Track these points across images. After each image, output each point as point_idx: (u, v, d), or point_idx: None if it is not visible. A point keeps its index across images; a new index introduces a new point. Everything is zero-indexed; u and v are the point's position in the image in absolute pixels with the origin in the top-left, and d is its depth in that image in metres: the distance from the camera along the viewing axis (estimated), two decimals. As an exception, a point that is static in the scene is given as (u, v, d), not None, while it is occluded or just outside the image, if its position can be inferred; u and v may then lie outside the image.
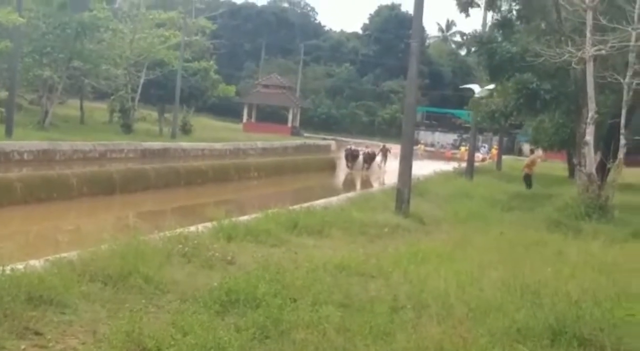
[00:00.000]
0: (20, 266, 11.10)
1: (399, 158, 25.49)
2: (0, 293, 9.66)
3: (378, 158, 58.95)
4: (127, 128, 56.33)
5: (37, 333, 9.15)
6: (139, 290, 11.35)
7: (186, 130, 63.97)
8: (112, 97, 60.29)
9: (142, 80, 58.71)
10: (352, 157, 57.03)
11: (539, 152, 59.48)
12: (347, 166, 56.67)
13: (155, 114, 68.13)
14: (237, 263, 14.04)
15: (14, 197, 25.29)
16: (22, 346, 8.70)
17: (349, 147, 60.05)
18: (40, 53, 48.51)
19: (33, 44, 48.08)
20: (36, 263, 11.84)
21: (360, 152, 57.76)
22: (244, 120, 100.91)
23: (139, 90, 59.06)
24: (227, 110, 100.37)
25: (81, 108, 60.86)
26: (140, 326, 8.77)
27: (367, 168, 56.62)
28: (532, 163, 43.79)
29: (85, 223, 25.44)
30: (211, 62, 67.64)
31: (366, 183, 49.27)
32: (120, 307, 10.23)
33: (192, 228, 16.41)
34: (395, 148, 47.32)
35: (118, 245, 13.12)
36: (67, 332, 9.36)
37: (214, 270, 13.24)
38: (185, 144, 52.94)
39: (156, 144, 49.42)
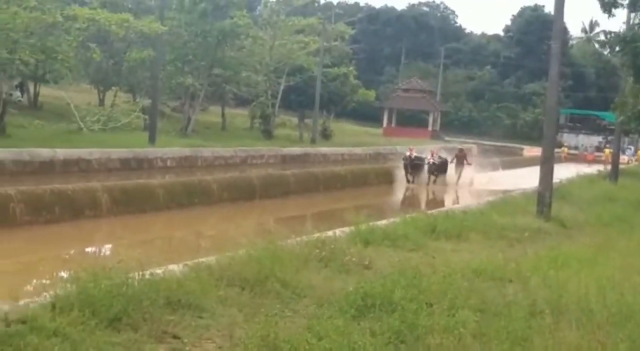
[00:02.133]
0: (159, 271, 11.27)
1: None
2: (139, 297, 9.82)
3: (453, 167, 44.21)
4: (267, 134, 56.90)
5: (175, 337, 9.28)
6: (275, 295, 11.40)
7: (326, 135, 64.27)
8: (252, 104, 60.96)
9: (282, 87, 59.25)
10: (412, 166, 42.40)
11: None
12: (407, 180, 42.46)
13: (295, 120, 68.68)
14: (374, 267, 13.98)
15: (157, 203, 25.81)
16: (161, 350, 8.83)
17: (408, 154, 43.25)
18: (182, 61, 49.48)
19: (175, 52, 49.06)
20: (175, 267, 12.02)
21: (426, 160, 42.82)
22: (384, 124, 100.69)
23: (279, 96, 59.59)
24: (367, 115, 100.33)
25: (222, 115, 61.74)
26: (275, 331, 8.80)
27: (434, 182, 42.67)
28: None
29: (224, 229, 25.79)
30: (351, 67, 67.78)
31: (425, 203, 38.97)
32: (256, 311, 10.30)
33: (330, 233, 16.42)
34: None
35: (255, 249, 13.21)
36: (204, 336, 9.47)
37: (350, 274, 13.22)
38: (325, 149, 53.23)
39: (296, 150, 49.84)
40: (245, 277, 11.79)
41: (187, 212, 26.55)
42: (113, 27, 41.57)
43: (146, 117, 44.20)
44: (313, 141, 59.16)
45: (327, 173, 38.46)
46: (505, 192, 30.76)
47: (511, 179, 44.55)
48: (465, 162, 44.34)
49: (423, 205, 35.68)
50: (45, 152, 30.28)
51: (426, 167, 42.48)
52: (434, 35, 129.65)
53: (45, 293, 9.71)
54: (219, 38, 48.99)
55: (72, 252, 20.95)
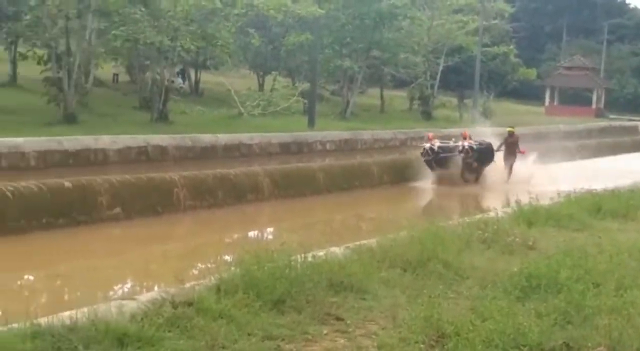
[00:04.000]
0: (321, 253, 11.30)
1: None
2: (302, 280, 9.87)
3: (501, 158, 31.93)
4: (426, 116, 56.59)
5: (338, 319, 9.28)
6: (438, 276, 11.31)
7: (487, 115, 63.45)
8: (411, 85, 60.68)
9: (440, 67, 58.77)
10: (438, 162, 30.23)
11: None
12: (434, 179, 30.58)
13: (454, 100, 68.07)
14: (538, 248, 13.72)
15: (317, 186, 26.00)
16: (324, 331, 8.84)
17: (427, 146, 30.32)
18: (340, 44, 49.54)
19: (333, 35, 49.16)
20: (337, 250, 12.04)
21: (459, 148, 30.45)
22: (546, 103, 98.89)
23: (438, 77, 59.14)
24: (528, 94, 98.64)
25: (381, 97, 61.61)
26: (439, 312, 8.69)
27: (477, 179, 31.41)
28: None
29: (385, 211, 25.70)
30: (511, 46, 66.74)
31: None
32: (419, 293, 10.21)
33: (492, 214, 16.18)
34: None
35: (417, 231, 13.13)
36: (367, 318, 9.44)
37: (513, 255, 13.00)
38: (484, 129, 52.56)
39: (456, 131, 49.37)
40: (407, 259, 11.73)
41: (347, 195, 26.66)
42: (271, 12, 42.04)
43: (305, 100, 44.49)
44: (473, 121, 58.46)
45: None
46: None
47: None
48: (517, 150, 31.66)
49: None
50: (207, 138, 30.82)
51: (459, 158, 30.32)
52: (596, 11, 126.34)
53: (210, 276, 9.85)
54: (377, 20, 48.82)
55: (235, 235, 21.28)
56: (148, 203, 20.64)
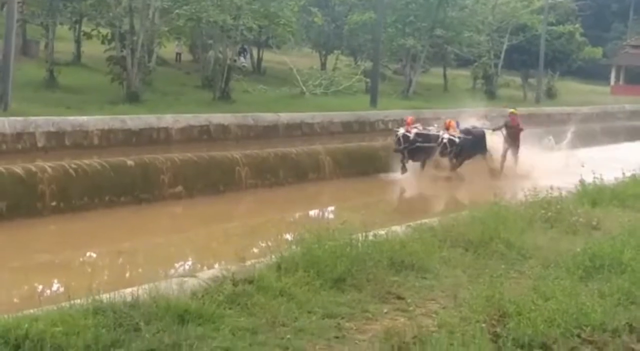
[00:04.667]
0: (382, 232, 11.30)
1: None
2: (363, 258, 9.88)
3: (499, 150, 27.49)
4: (490, 95, 56.10)
5: (398, 297, 9.29)
6: (500, 256, 11.26)
7: (551, 94, 62.85)
8: (474, 64, 60.18)
9: (504, 46, 58.19)
10: (411, 152, 25.39)
11: None
12: (402, 168, 25.29)
13: (518, 80, 67.43)
14: (602, 228, 13.60)
15: (379, 165, 25.91)
16: (385, 310, 8.84)
17: (400, 131, 25.41)
18: (403, 23, 49.21)
19: (396, 14, 48.84)
20: (398, 229, 12.03)
21: (443, 135, 25.80)
22: (612, 83, 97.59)
23: (502, 56, 58.58)
24: (594, 73, 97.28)
25: (444, 76, 61.23)
26: (501, 291, 8.62)
27: (453, 169, 26.49)
28: None
29: (448, 189, 25.46)
30: (576, 25, 65.84)
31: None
32: (480, 272, 10.18)
33: (555, 194, 16.02)
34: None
35: (479, 210, 13.06)
36: (428, 296, 9.43)
37: (577, 235, 12.89)
38: (549, 109, 52.06)
39: (520, 110, 48.86)
40: (469, 238, 11.70)
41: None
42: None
43: (367, 80, 44.33)
44: (537, 101, 57.95)
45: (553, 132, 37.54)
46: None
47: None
48: (519, 136, 27.20)
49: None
50: (269, 116, 30.84)
51: (439, 150, 25.72)
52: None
53: (270, 255, 9.87)
54: (440, -2, 48.58)
55: (296, 214, 21.30)
56: (210, 181, 20.74)
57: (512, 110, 28.99)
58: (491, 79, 57.91)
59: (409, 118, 26.89)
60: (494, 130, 27.72)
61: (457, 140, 25.68)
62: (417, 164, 25.94)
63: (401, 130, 25.39)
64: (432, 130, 26.42)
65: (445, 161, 26.13)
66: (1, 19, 29.63)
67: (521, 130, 27.20)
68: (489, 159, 27.67)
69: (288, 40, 47.50)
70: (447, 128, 26.11)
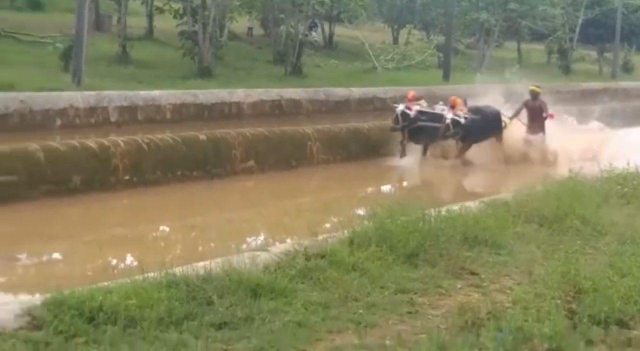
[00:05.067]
0: (455, 207, 11.24)
1: None
2: (436, 233, 9.82)
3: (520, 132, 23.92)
4: (565, 69, 55.46)
5: (472, 273, 9.24)
6: (575, 232, 11.12)
7: (627, 69, 61.90)
8: (549, 38, 59.44)
9: (580, 20, 57.40)
10: (412, 132, 22.59)
11: None
12: (401, 151, 22.72)
13: (594, 54, 66.51)
14: (681, 204, 13.34)
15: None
16: (458, 286, 8.81)
17: (400, 108, 22.59)
18: (478, -4, 48.84)
19: (469, -12, 48.53)
20: (471, 204, 11.95)
21: (446, 114, 22.37)
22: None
23: (577, 30, 57.81)
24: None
25: (518, 50, 60.59)
26: (576, 268, 8.45)
27: (460, 154, 22.93)
28: None
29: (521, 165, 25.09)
30: (655, -2, 64.81)
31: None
32: (555, 248, 10.07)
33: (632, 170, 15.76)
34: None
35: (553, 186, 12.90)
36: (502, 272, 9.36)
37: (654, 211, 12.68)
38: (625, 84, 51.30)
39: (595, 84, 48.28)
40: (543, 214, 11.58)
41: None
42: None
43: (440, 54, 44.07)
44: (613, 75, 57.12)
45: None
46: None
47: None
48: (544, 118, 23.56)
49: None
50: (340, 91, 30.74)
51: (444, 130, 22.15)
52: None
53: (343, 229, 9.84)
54: (516, -28, 48.05)
55: (368, 189, 21.24)
56: (281, 156, 20.75)
57: (532, 87, 24.41)
58: (566, 53, 57.12)
59: (410, 93, 23.64)
60: (510, 118, 23.90)
61: (462, 120, 22.07)
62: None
63: (400, 107, 22.48)
64: (438, 108, 22.99)
65: (451, 145, 22.78)
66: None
67: (545, 116, 23.41)
68: (505, 143, 23.68)
69: (360, 15, 47.28)
70: (452, 107, 22.58)
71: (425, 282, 8.68)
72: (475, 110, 22.99)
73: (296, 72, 34.47)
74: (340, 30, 52.88)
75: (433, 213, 10.38)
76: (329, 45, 50.80)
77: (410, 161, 22.33)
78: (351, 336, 7.09)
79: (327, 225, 13.41)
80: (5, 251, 12.27)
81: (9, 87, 20.90)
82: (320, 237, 9.48)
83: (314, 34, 45.96)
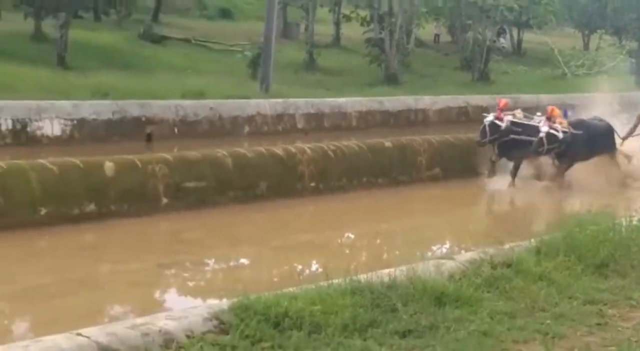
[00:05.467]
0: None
1: None
2: (627, 244, 9.63)
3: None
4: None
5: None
6: None
7: None
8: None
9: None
10: (501, 146, 19.32)
11: None
12: (490, 169, 19.64)
13: None
14: None
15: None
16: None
17: (489, 118, 19.38)
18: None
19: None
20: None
21: (544, 128, 18.55)
22: None
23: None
24: None
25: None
26: None
27: (559, 174, 19.44)
28: None
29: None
30: None
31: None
32: None
33: None
34: None
35: None
36: None
37: None
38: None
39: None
40: None
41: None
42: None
43: (633, 60, 42.91)
44: None
45: None
46: None
47: None
48: None
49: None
50: (528, 98, 30.19)
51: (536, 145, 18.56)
52: None
53: (530, 239, 9.68)
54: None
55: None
56: (467, 163, 20.50)
57: None
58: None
59: (502, 102, 20.27)
60: (623, 138, 20.33)
61: (560, 134, 18.60)
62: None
63: (489, 117, 19.43)
64: (536, 119, 19.49)
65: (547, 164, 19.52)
66: (263, 2, 30.48)
67: None
68: (621, 161, 20.23)
69: (549, 21, 46.51)
70: (548, 118, 18.99)
71: (616, 293, 8.44)
72: (577, 124, 19.42)
73: (483, 79, 34.25)
74: (529, 37, 52.21)
75: (624, 223, 10.09)
76: (517, 51, 50.26)
77: (499, 182, 19.27)
78: (538, 347, 6.95)
79: (513, 234, 13.21)
80: (195, 256, 12.57)
81: (199, 95, 21.51)
82: (506, 246, 9.37)
83: (502, 40, 45.56)
